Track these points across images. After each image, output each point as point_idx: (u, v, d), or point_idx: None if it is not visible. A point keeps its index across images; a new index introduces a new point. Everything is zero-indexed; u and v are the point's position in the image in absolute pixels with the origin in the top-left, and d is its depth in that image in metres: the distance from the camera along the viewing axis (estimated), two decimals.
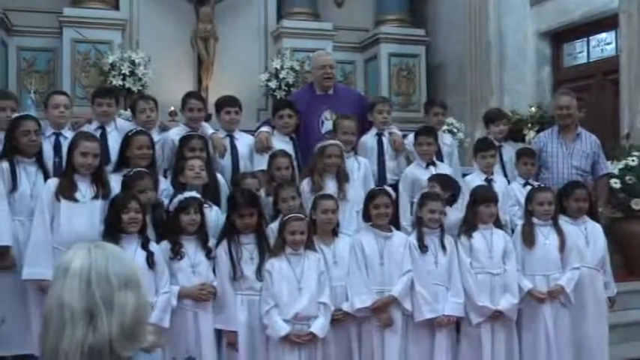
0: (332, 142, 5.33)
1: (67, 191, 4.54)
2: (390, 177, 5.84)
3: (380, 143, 5.94)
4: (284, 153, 5.37)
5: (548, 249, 5.06)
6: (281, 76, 9.01)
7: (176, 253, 4.48)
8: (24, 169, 4.78)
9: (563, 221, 5.20)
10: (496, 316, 4.84)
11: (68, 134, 5.30)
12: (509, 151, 6.26)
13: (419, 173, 5.55)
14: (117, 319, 1.55)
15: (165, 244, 4.51)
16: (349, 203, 5.18)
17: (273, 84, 9.01)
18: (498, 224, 5.11)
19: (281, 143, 5.65)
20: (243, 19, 9.56)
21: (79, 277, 1.56)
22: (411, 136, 6.00)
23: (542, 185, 5.52)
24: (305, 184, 5.19)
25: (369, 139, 5.94)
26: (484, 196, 5.06)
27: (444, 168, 5.69)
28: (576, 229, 5.20)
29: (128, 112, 7.26)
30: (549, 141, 6.19)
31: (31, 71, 8.83)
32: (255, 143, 5.70)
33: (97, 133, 5.36)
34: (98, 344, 1.52)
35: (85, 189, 4.62)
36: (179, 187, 4.87)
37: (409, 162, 5.93)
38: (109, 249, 1.65)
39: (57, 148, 5.29)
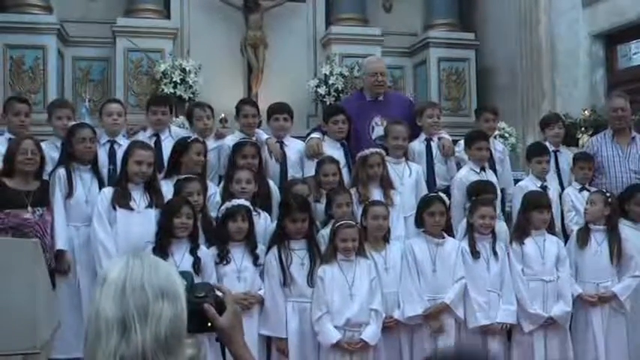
0: (373, 151, 5.31)
1: (122, 200, 4.66)
2: (439, 182, 5.79)
3: (429, 148, 5.90)
4: (331, 159, 5.38)
5: (599, 256, 4.97)
6: (330, 82, 9.00)
7: (222, 259, 4.54)
8: (79, 175, 4.92)
9: (625, 225, 5.11)
10: (549, 324, 4.78)
11: (122, 142, 5.42)
12: (565, 156, 6.16)
13: (473, 178, 5.47)
14: (151, 330, 1.50)
15: (213, 250, 4.57)
16: (396, 209, 5.16)
17: (322, 90, 9.01)
18: (552, 231, 5.03)
19: (332, 149, 5.66)
20: (293, 25, 9.60)
21: (115, 286, 1.54)
22: (461, 142, 5.94)
23: (599, 189, 5.40)
24: (352, 194, 5.17)
25: (418, 144, 5.90)
26: (537, 202, 4.99)
27: (490, 174, 5.63)
28: (638, 234, 5.11)
29: (180, 119, 7.37)
30: (603, 145, 6.06)
31: (85, 80, 9.02)
32: (307, 149, 5.71)
33: (152, 141, 5.47)
34: (131, 356, 1.48)
35: (138, 198, 4.73)
36: (228, 195, 4.92)
37: (459, 166, 5.87)
38: (148, 259, 1.62)
39: (111, 155, 5.41)
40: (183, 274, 1.79)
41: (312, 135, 5.87)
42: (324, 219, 4.99)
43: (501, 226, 5.17)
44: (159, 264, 1.62)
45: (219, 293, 1.89)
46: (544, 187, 5.57)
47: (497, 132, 7.26)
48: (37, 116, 6.26)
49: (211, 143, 5.63)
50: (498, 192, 5.42)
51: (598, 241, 5.01)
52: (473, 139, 5.66)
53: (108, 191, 4.77)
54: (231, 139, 5.63)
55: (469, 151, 5.64)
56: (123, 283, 1.54)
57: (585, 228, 5.09)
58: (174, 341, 1.54)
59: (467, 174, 5.55)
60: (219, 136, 5.88)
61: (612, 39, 8.53)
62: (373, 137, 5.91)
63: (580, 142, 7.57)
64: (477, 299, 4.70)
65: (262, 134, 5.80)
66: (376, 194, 5.17)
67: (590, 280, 4.97)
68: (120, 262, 1.60)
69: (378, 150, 5.35)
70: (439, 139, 5.92)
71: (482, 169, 5.59)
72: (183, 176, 4.88)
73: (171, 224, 4.40)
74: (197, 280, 4.29)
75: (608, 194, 5.14)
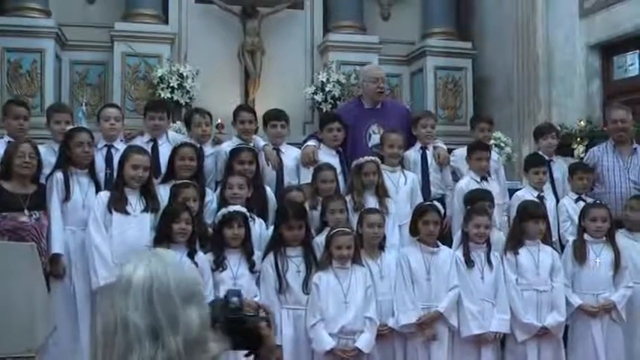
0: (368, 159, 5.33)
1: (118, 204, 4.68)
2: (434, 191, 5.82)
3: (424, 157, 5.92)
4: (329, 166, 5.40)
5: (598, 268, 4.99)
6: (327, 89, 9.00)
7: (218, 265, 4.54)
8: (77, 179, 4.93)
9: (621, 234, 5.17)
10: (542, 333, 4.78)
11: (120, 146, 5.42)
12: (560, 166, 6.18)
13: (474, 187, 5.47)
14: (182, 336, 1.51)
15: (210, 256, 4.58)
16: (391, 217, 5.17)
17: (319, 97, 9.01)
18: (547, 241, 5.04)
19: (328, 156, 5.68)
20: (290, 32, 9.62)
21: (142, 294, 1.52)
22: (458, 151, 5.97)
23: (598, 201, 5.40)
24: (347, 201, 5.17)
25: (413, 152, 5.93)
26: (533, 212, 5.00)
27: (493, 183, 5.65)
28: (633, 243, 5.16)
29: (177, 125, 7.38)
30: (604, 155, 6.05)
31: (83, 84, 9.02)
32: (302, 157, 5.73)
33: (149, 146, 5.48)
34: None
35: (134, 202, 4.74)
36: (224, 200, 4.92)
37: (455, 176, 5.89)
38: (169, 260, 1.60)
39: (108, 159, 5.41)
40: (234, 292, 1.79)
41: (308, 142, 5.90)
42: (319, 226, 5.00)
43: (499, 236, 5.18)
44: (180, 263, 1.61)
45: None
46: (541, 198, 5.60)
47: (492, 141, 7.28)
48: (34, 120, 6.26)
49: (209, 149, 5.64)
50: (496, 201, 5.42)
51: (596, 253, 5.03)
52: (473, 149, 5.70)
53: (104, 195, 4.78)
54: (228, 145, 5.64)
55: (470, 161, 5.67)
56: (149, 290, 1.52)
57: (581, 240, 5.10)
58: (202, 343, 1.55)
59: (467, 183, 5.57)
60: (217, 142, 5.90)
61: (608, 50, 8.57)
62: (370, 145, 5.94)
63: (575, 152, 7.59)
64: (470, 308, 4.70)
65: (260, 140, 5.82)
66: (371, 202, 5.18)
67: (589, 291, 4.98)
68: (141, 265, 1.57)
69: (373, 158, 5.36)
70: (434, 148, 5.95)
71: (484, 178, 5.61)
72: (180, 182, 4.90)
73: (170, 230, 4.41)
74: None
75: (608, 206, 5.18)
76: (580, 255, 5.02)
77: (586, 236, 5.08)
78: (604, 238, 5.07)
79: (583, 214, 5.17)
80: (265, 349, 1.83)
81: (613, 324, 4.96)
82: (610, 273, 5.00)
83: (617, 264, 5.00)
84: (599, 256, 5.02)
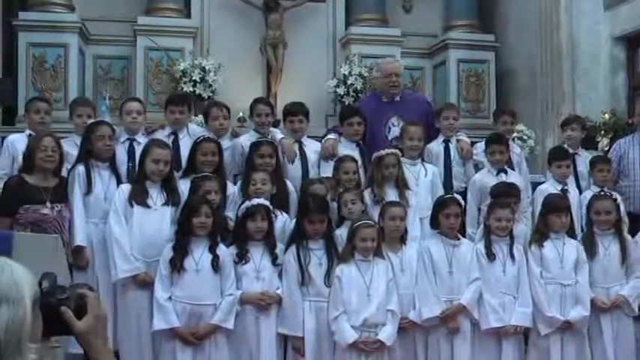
0: (388, 151, 5.30)
1: (139, 197, 4.70)
2: (457, 184, 5.77)
3: (447, 150, 5.88)
4: (351, 158, 5.38)
5: (608, 260, 4.95)
6: (349, 82, 9.00)
7: (241, 258, 4.56)
8: (98, 173, 4.96)
9: None
10: (566, 327, 4.75)
11: (142, 140, 5.45)
12: (584, 159, 6.12)
13: (488, 181, 5.45)
14: None
15: (232, 249, 4.59)
16: (412, 210, 5.15)
17: (341, 90, 9.01)
18: (572, 234, 5.00)
19: (348, 150, 5.66)
20: (312, 25, 9.60)
21: None
22: (480, 144, 5.93)
23: (603, 193, 5.33)
24: (366, 195, 5.15)
25: (436, 145, 5.89)
26: (555, 205, 4.97)
27: (514, 176, 5.60)
28: None
29: (199, 118, 7.41)
30: (630, 148, 5.99)
31: (106, 78, 9.10)
32: (323, 151, 5.72)
33: (170, 139, 5.51)
34: None
35: (155, 195, 4.77)
36: (246, 195, 4.93)
37: (477, 169, 5.85)
38: None
39: (130, 153, 5.45)
40: (45, 276, 1.74)
41: (329, 136, 5.89)
42: (337, 219, 4.98)
43: (521, 229, 5.14)
44: (4, 267, 1.56)
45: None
46: (564, 191, 5.55)
47: (515, 134, 7.23)
48: (59, 114, 6.32)
49: (226, 142, 5.65)
50: (522, 195, 5.38)
51: (605, 246, 4.98)
52: (487, 143, 5.67)
53: (125, 188, 4.81)
54: (245, 138, 5.65)
55: (486, 154, 5.64)
56: None
57: (590, 234, 5.06)
58: (11, 347, 1.49)
59: (482, 176, 5.55)
60: (235, 136, 5.91)
61: (634, 42, 8.47)
62: (390, 138, 5.91)
63: (600, 145, 7.52)
64: (490, 301, 4.68)
65: (277, 133, 5.81)
66: (392, 195, 5.16)
67: (600, 284, 4.94)
68: None
69: (393, 150, 5.34)
70: (457, 141, 5.91)
71: (503, 171, 5.56)
72: (201, 174, 4.91)
73: (191, 223, 4.43)
74: (215, 278, 4.37)
75: (614, 197, 5.09)
76: (590, 249, 4.97)
77: (595, 229, 5.04)
78: (612, 231, 5.01)
79: (589, 207, 5.12)
80: (75, 335, 1.75)
81: (624, 317, 4.92)
82: (620, 266, 4.95)
83: (625, 256, 4.94)
84: (608, 249, 4.97)
